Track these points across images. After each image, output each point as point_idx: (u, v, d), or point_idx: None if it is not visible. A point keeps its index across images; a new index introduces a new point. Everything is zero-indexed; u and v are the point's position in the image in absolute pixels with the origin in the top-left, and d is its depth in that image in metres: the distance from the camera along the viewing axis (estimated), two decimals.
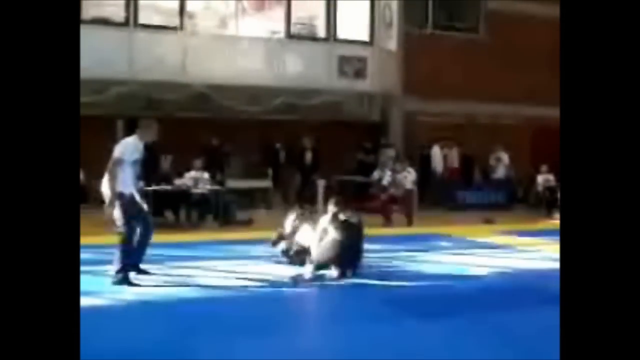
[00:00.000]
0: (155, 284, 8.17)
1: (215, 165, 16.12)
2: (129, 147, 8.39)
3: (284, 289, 7.98)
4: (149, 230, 8.56)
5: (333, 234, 8.54)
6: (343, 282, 8.33)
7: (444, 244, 11.97)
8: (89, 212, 9.98)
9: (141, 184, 9.09)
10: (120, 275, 8.09)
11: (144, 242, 8.53)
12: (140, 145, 8.51)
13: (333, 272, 8.48)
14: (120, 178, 8.20)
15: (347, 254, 8.57)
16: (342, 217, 8.78)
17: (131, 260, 8.33)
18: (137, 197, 8.52)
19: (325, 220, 8.79)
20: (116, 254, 8.18)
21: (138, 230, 8.43)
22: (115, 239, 8.28)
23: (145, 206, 8.73)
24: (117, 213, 8.25)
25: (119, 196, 8.19)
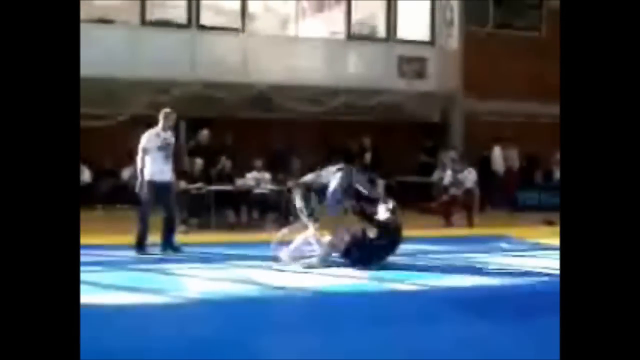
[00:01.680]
0: (219, 281, 8.29)
1: (276, 165, 16.25)
2: (150, 136, 9.88)
3: (342, 290, 8.02)
4: (172, 214, 10.07)
5: None
6: (403, 284, 8.33)
7: (504, 245, 11.85)
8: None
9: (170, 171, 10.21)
10: (142, 250, 9.82)
11: (170, 225, 10.05)
12: (164, 134, 9.97)
13: None
14: (149, 165, 9.75)
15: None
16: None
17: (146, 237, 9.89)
18: (167, 180, 9.92)
19: None
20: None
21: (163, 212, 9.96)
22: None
23: (173, 191, 10.24)
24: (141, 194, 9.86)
25: (147, 183, 9.74)
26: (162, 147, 9.82)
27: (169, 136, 10.00)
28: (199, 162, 13.97)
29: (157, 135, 9.89)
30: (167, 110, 10.17)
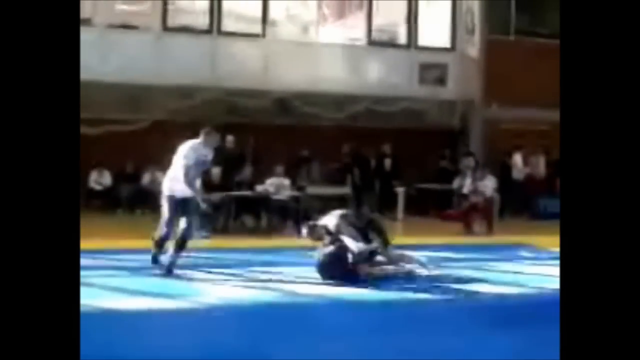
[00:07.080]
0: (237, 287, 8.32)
1: (297, 172, 16.31)
2: (193, 150, 8.96)
3: (364, 296, 8.01)
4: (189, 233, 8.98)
5: None
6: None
7: (524, 253, 11.77)
8: None
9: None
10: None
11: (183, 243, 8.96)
12: (203, 150, 9.06)
13: None
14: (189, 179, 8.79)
15: None
16: None
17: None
18: (196, 198, 8.93)
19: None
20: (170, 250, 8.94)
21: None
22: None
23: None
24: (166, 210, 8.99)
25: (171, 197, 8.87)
26: (198, 164, 9.03)
27: (207, 153, 9.23)
28: (215, 170, 13.96)
29: (196, 150, 9.06)
30: (208, 128, 9.32)
